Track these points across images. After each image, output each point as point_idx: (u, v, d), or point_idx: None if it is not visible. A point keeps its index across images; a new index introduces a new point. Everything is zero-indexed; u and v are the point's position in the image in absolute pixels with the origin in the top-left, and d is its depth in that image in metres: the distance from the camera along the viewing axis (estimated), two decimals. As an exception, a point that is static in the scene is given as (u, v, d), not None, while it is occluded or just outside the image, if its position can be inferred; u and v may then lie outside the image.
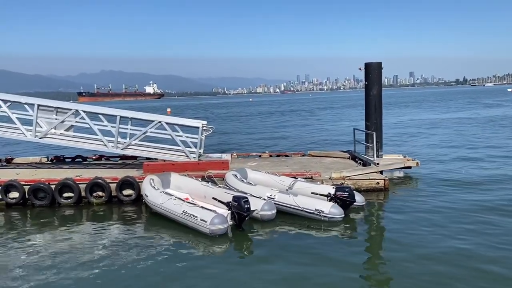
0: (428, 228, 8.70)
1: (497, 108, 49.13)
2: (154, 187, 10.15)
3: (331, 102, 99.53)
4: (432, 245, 7.77)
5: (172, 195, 9.60)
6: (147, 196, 10.10)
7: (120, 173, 12.09)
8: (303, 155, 15.65)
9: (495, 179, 12.81)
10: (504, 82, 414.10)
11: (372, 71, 14.14)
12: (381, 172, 12.55)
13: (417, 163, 13.55)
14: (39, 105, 13.03)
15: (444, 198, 10.97)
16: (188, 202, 9.15)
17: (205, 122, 12.97)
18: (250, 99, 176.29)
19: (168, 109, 71.62)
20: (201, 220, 8.41)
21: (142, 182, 10.89)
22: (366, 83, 14.34)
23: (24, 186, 11.22)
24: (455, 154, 17.97)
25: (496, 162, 15.64)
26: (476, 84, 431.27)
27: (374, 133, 13.28)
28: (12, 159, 15.40)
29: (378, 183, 11.68)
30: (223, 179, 11.41)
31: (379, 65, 14.18)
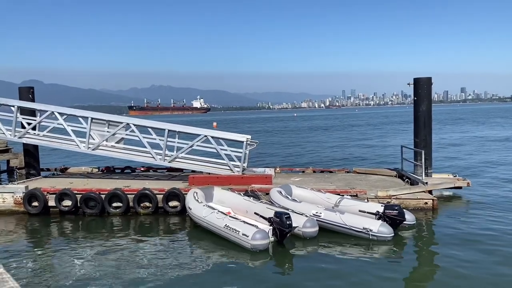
0: (480, 253, 8.23)
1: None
2: (197, 200, 10.32)
3: (378, 117, 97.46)
4: (485, 271, 7.34)
5: (215, 209, 9.71)
6: (190, 209, 10.27)
7: (167, 185, 12.40)
8: (347, 172, 15.36)
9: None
10: None
11: (422, 86, 13.74)
12: (430, 192, 12.08)
13: (468, 183, 12.93)
14: (92, 118, 13.67)
15: (496, 221, 10.36)
16: (230, 216, 9.22)
17: (249, 137, 13.10)
18: (295, 114, 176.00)
19: (214, 123, 72.99)
20: (243, 234, 8.42)
21: (187, 194, 11.11)
22: (415, 98, 13.94)
23: (77, 195, 11.76)
24: (509, 174, 16.99)
25: None
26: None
27: (423, 151, 12.83)
28: (66, 168, 16.22)
29: (426, 203, 11.25)
30: (266, 194, 11.41)
31: (428, 80, 13.77)
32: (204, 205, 10.01)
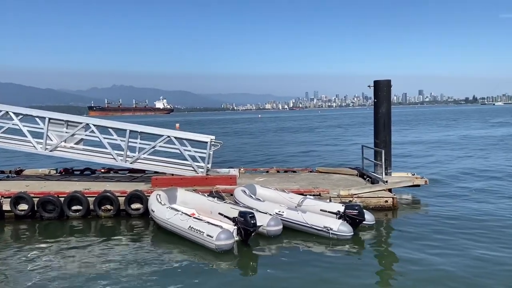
0: (437, 249, 8.57)
1: (509, 127, 48.73)
2: (160, 202, 10.18)
3: (340, 119, 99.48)
4: (441, 266, 7.65)
5: (179, 211, 9.61)
6: (153, 212, 10.11)
7: (129, 187, 12.14)
8: (310, 171, 15.59)
9: (505, 199, 12.63)
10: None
11: (381, 88, 14.15)
12: (389, 190, 12.45)
13: (426, 181, 13.42)
14: (50, 119, 13.21)
15: (453, 217, 10.83)
16: (194, 218, 9.15)
17: (213, 137, 13.05)
18: (259, 115, 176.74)
19: (177, 124, 72.06)
20: (207, 235, 8.38)
21: (150, 196, 10.92)
22: (375, 100, 14.34)
23: (34, 198, 11.30)
24: (465, 172, 17.78)
25: (506, 180, 15.44)
26: (486, 103, 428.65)
27: (383, 151, 13.20)
28: (21, 170, 15.56)
29: (386, 201, 11.58)
30: (231, 195, 11.41)
31: (388, 83, 14.19)
32: (167, 207, 9.88)
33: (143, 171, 14.37)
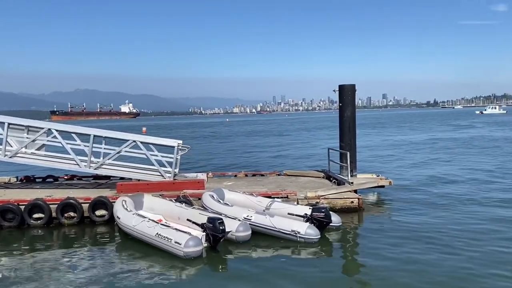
0: (401, 248, 8.80)
1: (468, 129, 50.76)
2: (126, 208, 9.97)
3: (307, 122, 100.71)
4: (405, 266, 7.85)
5: (145, 217, 9.45)
6: (119, 218, 9.89)
7: (93, 193, 11.84)
8: (278, 175, 15.71)
9: (466, 198, 13.11)
10: (472, 105, 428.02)
11: (346, 93, 14.46)
12: (355, 191, 12.71)
13: (390, 182, 13.79)
14: (9, 124, 12.72)
15: (416, 217, 11.17)
16: (161, 224, 9.01)
17: (180, 142, 12.93)
18: (227, 119, 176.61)
19: (144, 129, 71.03)
20: (175, 242, 8.28)
21: (115, 202, 10.69)
22: (340, 104, 14.63)
23: (-8, 207, 10.82)
24: (428, 174, 18.35)
25: (467, 182, 15.98)
26: (446, 106, 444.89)
27: (348, 153, 13.50)
28: (-21, 179, 14.89)
29: (352, 202, 11.81)
30: (199, 199, 11.33)
31: (352, 87, 14.52)
32: (133, 214, 9.69)
33: (108, 177, 14.06)
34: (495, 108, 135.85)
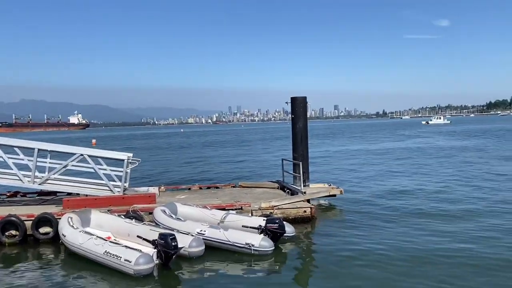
0: (352, 255, 8.97)
1: (416, 139, 53.06)
2: (72, 226, 9.49)
3: (263, 132, 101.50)
4: (357, 273, 8.00)
5: (93, 235, 9.04)
6: (64, 236, 9.40)
7: (37, 210, 11.20)
8: (233, 187, 15.63)
9: (414, 208, 13.48)
10: (419, 115, 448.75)
11: (298, 105, 14.71)
12: (308, 201, 12.86)
13: (341, 191, 14.10)
14: None
15: (365, 225, 11.44)
16: (110, 242, 8.64)
17: (130, 155, 12.57)
18: (181, 130, 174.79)
19: (93, 141, 68.74)
20: (125, 260, 7.96)
21: (60, 219, 10.17)
22: (293, 116, 14.85)
23: None
24: (378, 183, 18.92)
25: (416, 192, 16.30)
26: (395, 116, 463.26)
27: (301, 163, 13.70)
28: None
29: (305, 211, 11.94)
30: (150, 213, 11.02)
31: (304, 100, 14.79)
32: (80, 231, 9.24)
33: (54, 193, 13.41)
34: (440, 118, 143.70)
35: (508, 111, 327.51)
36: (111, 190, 12.22)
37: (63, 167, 12.28)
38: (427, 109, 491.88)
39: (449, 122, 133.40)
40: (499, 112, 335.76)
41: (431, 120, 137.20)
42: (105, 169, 12.60)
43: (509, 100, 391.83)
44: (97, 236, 8.93)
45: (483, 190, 15.95)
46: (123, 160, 12.32)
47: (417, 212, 12.78)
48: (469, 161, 26.12)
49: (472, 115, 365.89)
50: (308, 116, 15.35)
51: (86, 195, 12.14)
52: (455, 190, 16.29)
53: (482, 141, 44.19)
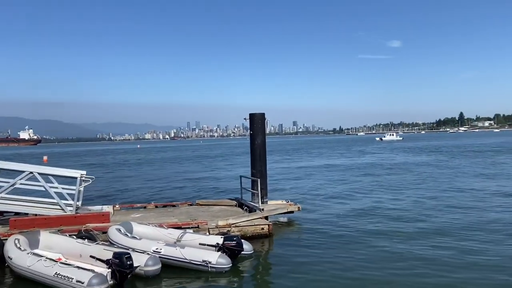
0: (308, 271, 9.09)
1: (371, 155, 54.70)
2: (20, 248, 9.02)
3: (222, 148, 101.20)
4: (313, 289, 8.09)
5: (42, 256, 8.63)
6: (11, 259, 8.91)
7: (-20, 232, 10.58)
8: (190, 205, 15.43)
9: (370, 225, 13.73)
10: (373, 132, 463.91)
11: (256, 121, 14.85)
12: (266, 218, 12.91)
13: (299, 207, 14.27)
14: None
15: (323, 242, 11.57)
16: (61, 263, 8.29)
17: (84, 172, 12.18)
18: (138, 146, 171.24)
19: (45, 157, 66.00)
20: (77, 281, 7.64)
21: (6, 241, 9.63)
22: (251, 132, 14.96)
23: None
24: (336, 198, 19.28)
25: (372, 209, 16.50)
26: (351, 133, 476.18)
27: (259, 180, 13.75)
28: None
29: (262, 228, 11.98)
30: (104, 233, 10.68)
31: (262, 116, 14.96)
32: (28, 253, 8.80)
33: (1, 213, 12.72)
34: (393, 135, 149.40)
35: (456, 129, 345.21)
36: (63, 209, 11.76)
37: (11, 186, 11.71)
38: (381, 125, 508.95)
39: (401, 138, 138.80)
40: (448, 129, 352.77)
41: (384, 137, 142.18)
42: (56, 188, 12.12)
43: (457, 118, 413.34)
44: (46, 258, 8.53)
45: (439, 208, 16.06)
46: (76, 178, 11.92)
47: (373, 231, 12.69)
48: (423, 177, 27.19)
49: (423, 132, 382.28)
50: (267, 132, 15.51)
51: (36, 215, 11.62)
52: (412, 207, 16.47)
53: (434, 157, 46.22)
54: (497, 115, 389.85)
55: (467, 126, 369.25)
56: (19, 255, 8.83)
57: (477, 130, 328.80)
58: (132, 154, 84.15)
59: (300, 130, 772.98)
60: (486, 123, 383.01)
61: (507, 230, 12.29)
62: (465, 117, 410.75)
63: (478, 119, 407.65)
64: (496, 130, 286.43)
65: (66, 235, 10.13)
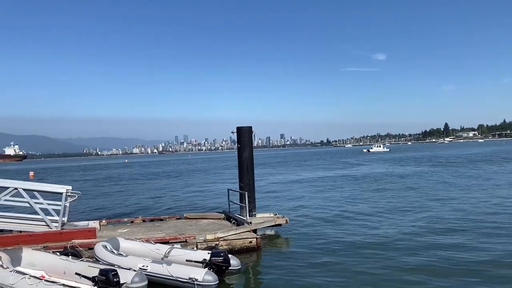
0: (297, 284, 9.04)
1: (358, 167, 54.98)
2: (2, 266, 8.84)
3: (210, 162, 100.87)
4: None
5: (26, 274, 8.46)
6: (-7, 278, 8.73)
7: (-38, 251, 10.35)
8: (178, 218, 15.33)
9: (358, 237, 13.72)
10: (360, 143, 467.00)
11: (244, 134, 14.88)
12: (254, 231, 12.87)
13: (287, 220, 14.25)
14: None
15: (311, 255, 11.56)
16: (45, 281, 8.13)
17: (69, 187, 12.06)
18: (126, 160, 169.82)
19: (31, 173, 65.15)
20: (62, 299, 7.51)
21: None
22: (239, 146, 14.98)
23: None
24: (324, 210, 19.30)
25: (361, 219, 16.67)
26: (338, 145, 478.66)
27: (246, 193, 13.75)
28: None
29: (251, 242, 11.93)
30: (90, 249, 10.53)
31: (249, 129, 15.01)
32: (10, 271, 8.61)
33: (-17, 230, 12.47)
34: (380, 146, 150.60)
35: (442, 139, 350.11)
36: (48, 225, 11.60)
37: (-6, 202, 11.53)
38: (368, 137, 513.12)
39: (388, 150, 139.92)
40: (434, 140, 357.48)
41: (371, 148, 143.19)
42: (41, 203, 11.96)
43: (442, 129, 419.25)
44: (30, 276, 8.36)
45: (428, 219, 16.08)
46: (61, 193, 11.78)
47: (361, 243, 12.67)
48: (410, 187, 27.43)
49: (410, 143, 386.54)
50: (255, 145, 15.55)
51: (20, 232, 11.42)
52: (402, 218, 16.55)
53: (421, 168, 46.65)
54: (480, 126, 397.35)
55: (452, 137, 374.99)
56: (2, 273, 8.63)
57: (461, 140, 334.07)
58: (120, 169, 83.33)
59: (288, 142, 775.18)
60: (471, 134, 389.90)
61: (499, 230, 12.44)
62: (450, 128, 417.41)
63: (463, 129, 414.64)
64: (481, 140, 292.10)
65: (49, 252, 9.97)
